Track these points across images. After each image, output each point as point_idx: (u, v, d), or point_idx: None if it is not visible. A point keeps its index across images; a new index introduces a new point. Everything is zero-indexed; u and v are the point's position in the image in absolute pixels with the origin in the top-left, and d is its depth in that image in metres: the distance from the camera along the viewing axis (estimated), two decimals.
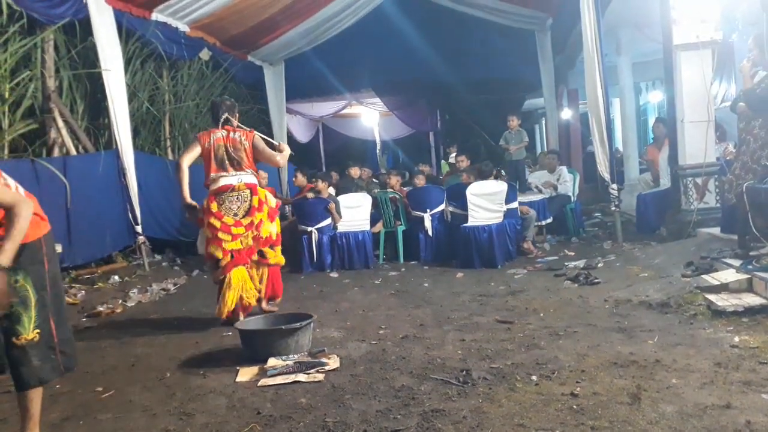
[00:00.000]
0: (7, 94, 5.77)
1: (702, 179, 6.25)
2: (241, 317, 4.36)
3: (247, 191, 4.48)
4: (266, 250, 4.63)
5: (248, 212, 4.46)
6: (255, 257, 4.59)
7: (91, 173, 6.30)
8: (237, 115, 4.70)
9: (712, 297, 4.00)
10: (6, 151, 5.83)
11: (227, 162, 4.46)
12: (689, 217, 6.15)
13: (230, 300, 4.38)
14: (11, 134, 5.86)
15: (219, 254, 4.42)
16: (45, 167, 5.68)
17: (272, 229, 4.63)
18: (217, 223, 4.40)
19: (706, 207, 6.23)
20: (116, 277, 6.20)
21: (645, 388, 2.71)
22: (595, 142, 6.88)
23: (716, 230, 5.71)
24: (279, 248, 4.79)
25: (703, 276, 4.42)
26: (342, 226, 7.22)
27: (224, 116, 4.57)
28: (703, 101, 6.14)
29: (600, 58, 6.61)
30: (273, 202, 4.71)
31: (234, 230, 4.40)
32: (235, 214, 4.43)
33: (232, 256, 4.44)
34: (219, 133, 4.52)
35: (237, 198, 4.46)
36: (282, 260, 4.83)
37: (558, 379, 2.92)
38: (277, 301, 4.96)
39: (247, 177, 4.50)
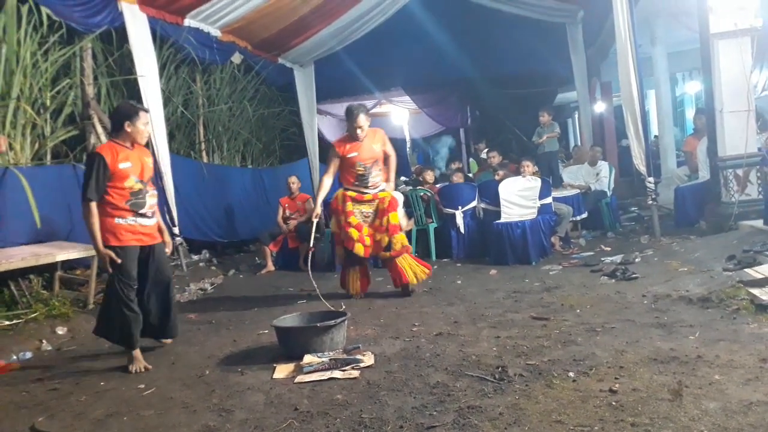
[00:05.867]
0: (48, 102, 5.97)
1: (743, 170, 6.08)
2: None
3: None
4: None
5: None
6: None
7: None
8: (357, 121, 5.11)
9: (755, 291, 3.87)
10: (48, 157, 6.03)
11: None
12: (730, 210, 5.99)
13: None
14: (53, 141, 6.05)
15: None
16: None
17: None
18: None
19: (747, 199, 6.06)
20: None
21: (686, 385, 2.64)
22: (630, 135, 6.74)
23: (759, 222, 5.55)
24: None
25: (746, 270, 4.30)
26: None
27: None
28: (742, 90, 5.99)
29: (634, 49, 6.47)
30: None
31: None
32: None
33: None
34: None
35: None
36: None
37: (596, 376, 2.88)
38: None
39: None
